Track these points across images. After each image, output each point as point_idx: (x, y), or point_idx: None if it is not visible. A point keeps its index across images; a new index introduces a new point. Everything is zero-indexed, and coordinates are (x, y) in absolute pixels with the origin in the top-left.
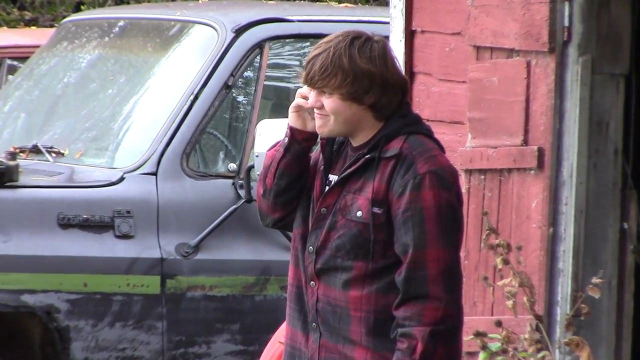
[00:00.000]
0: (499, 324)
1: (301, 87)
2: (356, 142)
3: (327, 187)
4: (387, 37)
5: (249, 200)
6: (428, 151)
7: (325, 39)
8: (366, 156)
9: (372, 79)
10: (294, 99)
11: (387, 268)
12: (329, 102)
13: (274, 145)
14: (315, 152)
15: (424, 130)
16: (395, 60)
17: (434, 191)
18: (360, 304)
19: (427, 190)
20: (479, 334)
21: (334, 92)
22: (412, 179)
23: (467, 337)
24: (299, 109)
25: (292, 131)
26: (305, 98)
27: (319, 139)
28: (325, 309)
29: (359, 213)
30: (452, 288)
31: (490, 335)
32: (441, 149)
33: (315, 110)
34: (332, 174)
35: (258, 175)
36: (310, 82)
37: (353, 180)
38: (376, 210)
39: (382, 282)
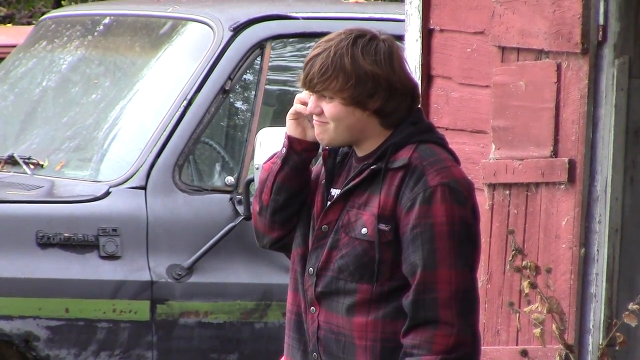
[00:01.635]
0: (524, 353)
1: (301, 92)
2: (361, 152)
3: (328, 202)
4: (401, 37)
5: (248, 217)
6: (440, 162)
7: (325, 38)
8: (372, 167)
9: (377, 82)
10: None
11: (394, 291)
12: (330, 107)
13: (271, 157)
14: (318, 165)
15: (437, 139)
16: (404, 61)
17: (446, 205)
18: (366, 332)
19: (439, 205)
20: None
21: (335, 96)
22: (422, 192)
23: None
24: (298, 116)
25: (291, 141)
26: (305, 104)
27: (320, 150)
28: (328, 337)
29: (364, 230)
30: (466, 313)
31: None
32: (456, 160)
33: (314, 116)
34: (334, 188)
35: None
36: (309, 85)
37: (357, 194)
38: (382, 226)
39: (389, 307)
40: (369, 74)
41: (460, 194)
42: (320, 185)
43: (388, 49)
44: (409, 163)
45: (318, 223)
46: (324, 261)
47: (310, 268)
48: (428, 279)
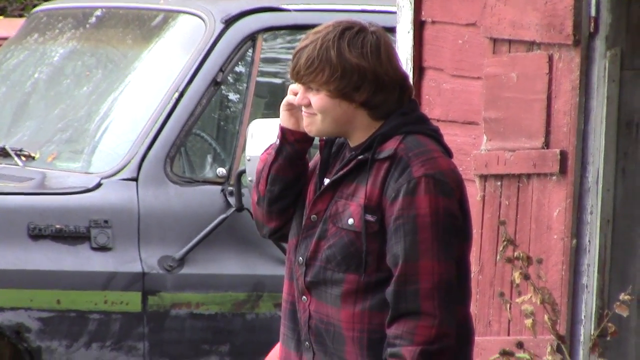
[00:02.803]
0: (520, 345)
1: (292, 85)
2: (353, 142)
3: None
4: (393, 29)
5: (240, 208)
6: (426, 153)
7: (313, 30)
8: (358, 157)
9: (362, 75)
10: None
11: (382, 282)
12: (316, 99)
13: (268, 148)
14: (316, 156)
15: (427, 131)
16: (393, 53)
17: (430, 197)
18: (353, 323)
19: (422, 196)
20: (505, 353)
21: (321, 89)
22: (407, 183)
23: (491, 358)
24: (291, 107)
25: (284, 132)
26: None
27: (317, 140)
28: (318, 327)
29: (351, 221)
30: (449, 304)
31: (517, 355)
32: (447, 151)
33: (302, 108)
34: (327, 177)
35: (250, 181)
36: (296, 77)
37: (345, 184)
38: (369, 217)
39: (376, 299)
40: (355, 67)
41: (447, 185)
42: (315, 174)
43: (376, 41)
44: (395, 154)
45: (308, 212)
46: (313, 251)
47: (300, 257)
48: (409, 270)
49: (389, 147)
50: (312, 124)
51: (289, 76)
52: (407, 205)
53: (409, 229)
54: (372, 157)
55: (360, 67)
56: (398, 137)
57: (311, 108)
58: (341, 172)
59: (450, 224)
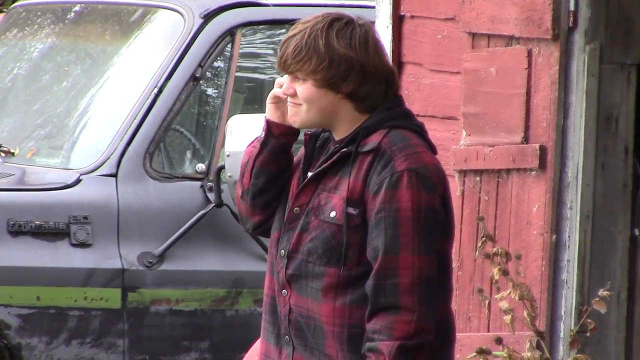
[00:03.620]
0: (499, 341)
1: (279, 77)
2: (338, 136)
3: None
4: (372, 23)
5: (219, 204)
6: (410, 147)
7: (302, 20)
8: (342, 150)
9: (350, 66)
10: (268, 92)
11: (362, 276)
12: (302, 89)
13: (253, 141)
14: (301, 150)
15: (412, 126)
16: (380, 47)
17: (412, 191)
18: (333, 317)
19: (405, 190)
20: (482, 352)
21: (308, 78)
22: (389, 176)
23: (468, 356)
24: (277, 100)
25: (269, 125)
26: None
27: (302, 135)
28: (298, 321)
29: (333, 213)
30: (428, 300)
31: (494, 353)
32: (431, 148)
33: (288, 98)
34: (311, 171)
35: (229, 176)
36: (283, 66)
37: (329, 177)
38: (351, 210)
39: (356, 293)
40: (343, 57)
41: (429, 180)
42: (299, 168)
43: (364, 34)
44: (379, 147)
45: (290, 205)
46: (295, 243)
47: (282, 250)
48: (389, 264)
49: (373, 141)
50: (297, 114)
51: (271, 70)
52: (389, 198)
53: (390, 223)
54: (356, 150)
55: (347, 58)
56: (382, 130)
57: (297, 98)
58: (325, 165)
59: (432, 219)
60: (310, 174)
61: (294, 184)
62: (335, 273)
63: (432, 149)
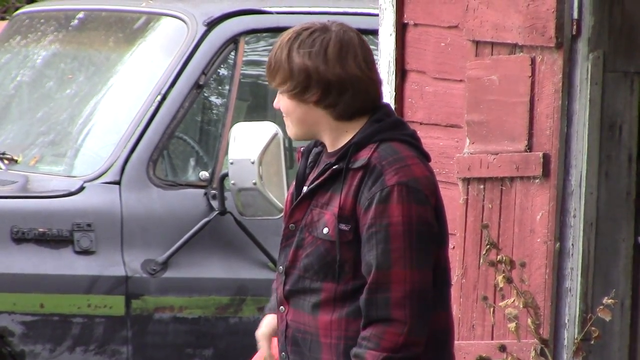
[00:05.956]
0: (502, 349)
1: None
2: (329, 147)
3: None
4: (375, 31)
5: (223, 212)
6: (400, 160)
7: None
8: (333, 167)
9: (307, 76)
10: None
11: (358, 290)
12: (281, 102)
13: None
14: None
15: (402, 137)
16: (345, 53)
17: (402, 205)
18: (330, 330)
19: (395, 205)
20: (482, 359)
21: (283, 91)
22: (380, 191)
23: None
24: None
25: None
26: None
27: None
28: (295, 336)
29: (325, 230)
30: (421, 313)
31: None
32: (424, 156)
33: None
34: (305, 186)
35: (232, 184)
36: (268, 81)
37: (321, 193)
38: (343, 227)
39: (353, 306)
40: (299, 67)
41: (420, 192)
42: (292, 185)
43: (326, 42)
44: (369, 163)
45: (286, 221)
46: (291, 260)
47: (280, 267)
48: (381, 278)
49: (363, 157)
50: (288, 128)
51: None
52: (380, 213)
53: (382, 238)
54: (347, 167)
55: (304, 67)
56: (372, 145)
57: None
58: (317, 182)
59: (425, 232)
60: (305, 189)
61: (288, 200)
62: (332, 288)
63: (426, 157)
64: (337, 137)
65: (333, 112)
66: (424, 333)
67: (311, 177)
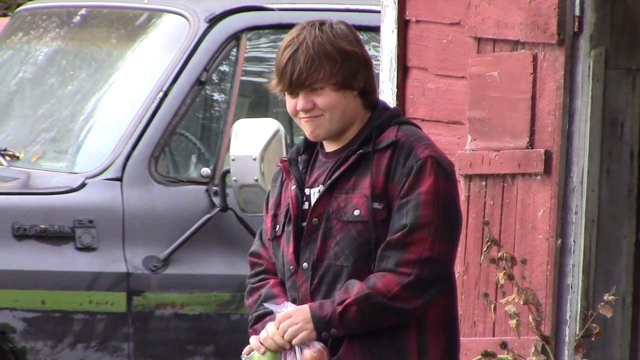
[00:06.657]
0: (504, 345)
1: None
2: (339, 143)
3: (305, 202)
4: (377, 28)
5: (224, 208)
6: (425, 138)
7: (287, 39)
8: (359, 152)
9: (357, 60)
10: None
11: None
12: (322, 98)
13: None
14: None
15: (412, 122)
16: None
17: (434, 177)
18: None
19: (428, 176)
20: (487, 354)
21: (326, 85)
22: (414, 163)
23: (474, 358)
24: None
25: None
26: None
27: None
28: None
29: (357, 212)
30: (430, 279)
31: (499, 356)
32: None
33: (302, 114)
34: (308, 187)
35: (234, 180)
36: (296, 83)
37: (343, 181)
38: (376, 205)
39: None
40: (349, 54)
41: (447, 170)
42: (290, 190)
43: (349, 30)
44: (397, 140)
45: (308, 217)
46: (319, 252)
47: (305, 263)
48: (402, 239)
49: (389, 137)
50: (319, 127)
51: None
52: (413, 184)
53: (413, 205)
54: (373, 149)
55: (353, 53)
56: (393, 127)
57: (316, 110)
58: (340, 170)
59: (450, 206)
60: (315, 190)
61: (293, 203)
62: (366, 273)
63: None
64: (357, 127)
65: (366, 99)
66: (423, 299)
67: (313, 178)
